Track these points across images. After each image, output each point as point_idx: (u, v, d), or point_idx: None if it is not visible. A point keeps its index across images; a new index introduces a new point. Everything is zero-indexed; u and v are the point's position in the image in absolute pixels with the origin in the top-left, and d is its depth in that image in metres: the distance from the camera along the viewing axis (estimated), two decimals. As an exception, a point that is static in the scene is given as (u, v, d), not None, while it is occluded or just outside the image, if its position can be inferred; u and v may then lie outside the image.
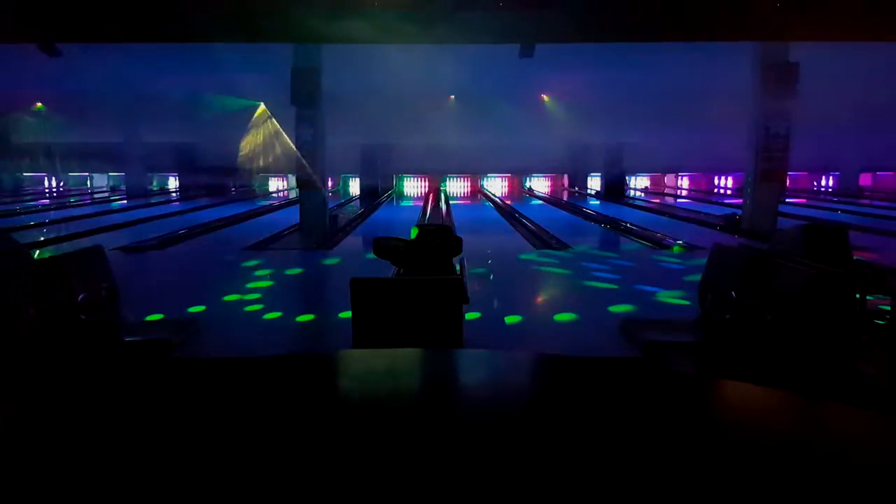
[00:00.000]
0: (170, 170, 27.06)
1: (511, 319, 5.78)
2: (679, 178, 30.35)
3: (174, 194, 25.70)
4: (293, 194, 22.03)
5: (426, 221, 14.66)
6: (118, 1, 8.93)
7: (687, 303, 6.20)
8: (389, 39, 9.89)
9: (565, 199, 23.85)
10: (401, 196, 25.74)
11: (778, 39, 10.91)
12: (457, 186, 27.58)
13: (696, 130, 18.97)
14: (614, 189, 23.76)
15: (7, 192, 25.42)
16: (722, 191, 28.23)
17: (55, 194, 26.55)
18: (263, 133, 18.47)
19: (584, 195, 25.41)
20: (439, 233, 4.74)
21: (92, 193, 26.43)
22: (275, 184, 28.93)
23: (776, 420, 1.67)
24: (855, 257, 4.32)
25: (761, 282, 3.39)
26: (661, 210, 18.47)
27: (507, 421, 1.55)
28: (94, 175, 29.40)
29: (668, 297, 6.77)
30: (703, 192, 26.67)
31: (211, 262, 9.68)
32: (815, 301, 2.89)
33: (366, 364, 2.01)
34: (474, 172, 27.26)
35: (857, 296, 4.14)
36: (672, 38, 10.32)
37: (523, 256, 9.81)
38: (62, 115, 20.69)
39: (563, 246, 10.76)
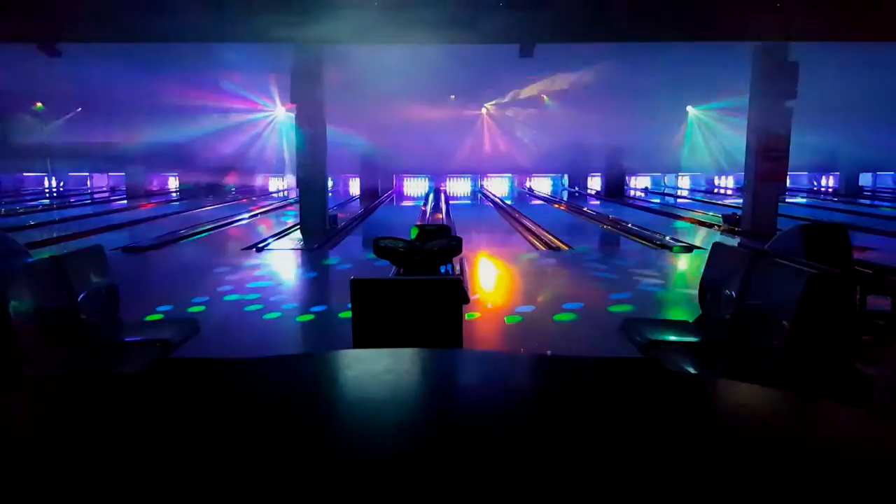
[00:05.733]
0: (170, 170, 27.06)
1: (511, 320, 5.78)
2: (679, 178, 30.32)
3: (174, 194, 25.70)
4: (293, 194, 22.04)
5: (426, 221, 14.65)
6: (104, 2, 8.98)
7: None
8: (393, 40, 9.91)
9: (565, 199, 23.85)
10: (401, 196, 25.72)
11: (778, 39, 10.90)
12: (457, 186, 27.56)
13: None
14: (614, 189, 23.76)
15: (7, 192, 25.42)
16: (722, 191, 28.20)
17: (55, 194, 26.54)
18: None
19: (585, 195, 25.40)
20: (439, 233, 4.74)
21: (91, 193, 26.42)
22: (275, 183, 28.92)
23: (776, 420, 1.67)
24: (855, 257, 4.32)
25: (761, 282, 3.39)
26: (661, 210, 18.47)
27: (508, 421, 1.55)
28: (93, 175, 29.40)
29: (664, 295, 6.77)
30: (703, 192, 26.67)
31: (210, 261, 9.68)
32: (815, 301, 2.88)
33: (366, 364, 2.01)
34: (474, 172, 27.26)
35: (857, 296, 4.13)
36: (672, 38, 10.32)
37: (524, 256, 9.81)
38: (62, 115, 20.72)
39: (564, 245, 10.77)
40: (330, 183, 17.27)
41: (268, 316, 5.95)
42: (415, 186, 27.54)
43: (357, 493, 1.19)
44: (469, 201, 23.74)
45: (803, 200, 21.68)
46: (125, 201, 21.75)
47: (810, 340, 2.92)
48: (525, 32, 9.90)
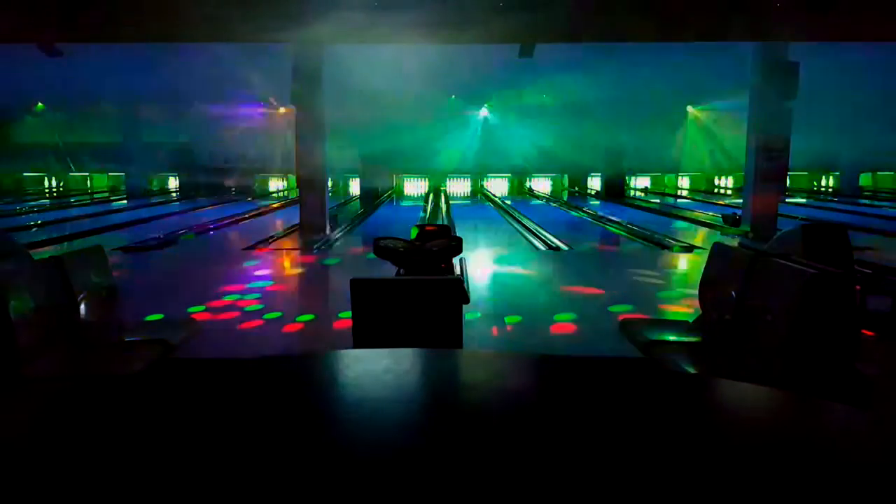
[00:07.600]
0: (170, 170, 27.04)
1: (511, 319, 5.78)
2: (679, 178, 30.24)
3: (174, 194, 25.68)
4: (293, 194, 22.02)
5: (426, 221, 14.65)
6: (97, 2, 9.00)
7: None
8: (390, 40, 9.92)
9: (565, 199, 23.84)
10: (401, 196, 25.70)
11: (778, 39, 10.90)
12: (457, 186, 27.51)
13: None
14: (614, 189, 23.75)
15: (8, 192, 25.41)
16: (722, 191, 28.17)
17: (55, 194, 26.52)
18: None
19: (585, 195, 25.38)
20: (439, 233, 4.74)
21: (91, 194, 26.39)
22: (274, 184, 28.90)
23: (776, 420, 1.67)
24: (855, 257, 4.31)
25: (761, 282, 3.39)
26: (661, 210, 18.47)
27: (508, 421, 1.55)
28: (93, 175, 29.35)
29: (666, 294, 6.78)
30: (702, 192, 26.64)
31: (210, 261, 9.68)
32: (815, 301, 2.88)
33: (366, 364, 2.01)
34: (474, 173, 27.20)
35: (857, 296, 4.13)
36: (672, 38, 10.33)
37: (524, 257, 9.81)
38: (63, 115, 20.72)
39: (565, 245, 10.77)
40: (330, 182, 17.26)
41: (267, 316, 5.95)
42: (415, 186, 27.50)
43: (357, 493, 1.19)
44: (469, 201, 23.73)
45: (803, 200, 21.67)
46: (125, 201, 21.74)
47: (810, 340, 2.92)
48: (525, 32, 9.91)
